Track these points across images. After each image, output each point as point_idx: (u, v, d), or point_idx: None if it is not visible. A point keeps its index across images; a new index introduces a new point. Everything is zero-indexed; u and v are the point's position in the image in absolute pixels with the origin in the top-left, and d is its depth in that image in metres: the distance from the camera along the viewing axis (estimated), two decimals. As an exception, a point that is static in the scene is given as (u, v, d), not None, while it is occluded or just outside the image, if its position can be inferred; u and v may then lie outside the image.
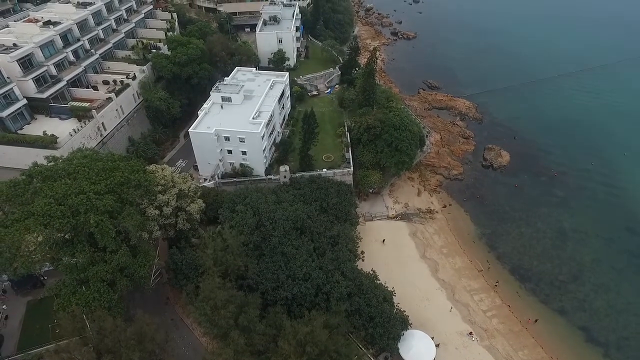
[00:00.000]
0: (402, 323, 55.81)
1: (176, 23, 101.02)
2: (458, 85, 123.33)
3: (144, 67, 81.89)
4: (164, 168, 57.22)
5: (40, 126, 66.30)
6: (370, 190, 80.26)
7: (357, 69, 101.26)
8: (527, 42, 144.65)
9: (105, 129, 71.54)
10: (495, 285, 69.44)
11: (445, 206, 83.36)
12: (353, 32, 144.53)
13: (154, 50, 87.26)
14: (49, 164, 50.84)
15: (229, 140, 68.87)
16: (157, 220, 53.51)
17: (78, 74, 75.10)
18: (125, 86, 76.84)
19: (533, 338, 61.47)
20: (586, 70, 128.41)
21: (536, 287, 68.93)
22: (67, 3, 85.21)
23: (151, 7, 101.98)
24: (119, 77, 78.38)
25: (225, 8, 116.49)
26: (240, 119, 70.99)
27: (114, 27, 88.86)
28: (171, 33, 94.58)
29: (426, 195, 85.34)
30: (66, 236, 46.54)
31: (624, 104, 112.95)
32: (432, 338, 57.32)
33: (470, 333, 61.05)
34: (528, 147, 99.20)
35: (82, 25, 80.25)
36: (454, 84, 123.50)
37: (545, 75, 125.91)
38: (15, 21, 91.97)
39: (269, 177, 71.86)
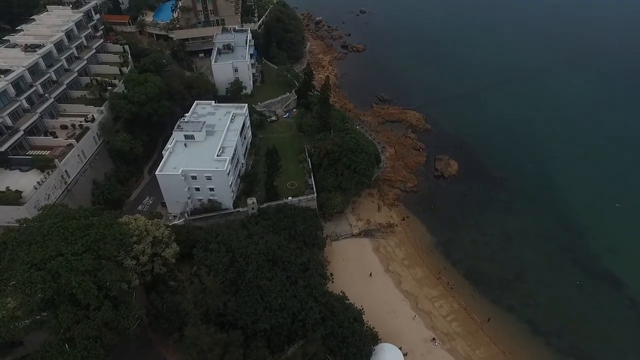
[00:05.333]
0: (372, 339, 61.55)
1: (129, 56, 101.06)
2: (407, 96, 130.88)
3: (102, 108, 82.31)
4: (137, 218, 59.31)
5: (1, 180, 65.83)
6: (335, 211, 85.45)
7: (312, 91, 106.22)
8: (469, 51, 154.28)
9: (69, 176, 71.87)
10: (452, 289, 77.02)
11: (403, 219, 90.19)
12: (305, 48, 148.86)
13: (110, 88, 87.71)
14: (21, 226, 51.91)
15: (195, 179, 71.56)
16: (135, 269, 55.80)
17: (34, 121, 74.37)
18: (85, 130, 77.23)
19: (487, 337, 69.39)
20: (523, 76, 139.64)
21: (487, 289, 77.16)
22: (13, 47, 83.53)
23: (102, 40, 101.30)
24: (77, 120, 78.46)
25: (176, 35, 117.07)
26: (205, 156, 73.80)
27: (66, 66, 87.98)
28: (125, 68, 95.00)
29: (386, 209, 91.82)
30: (46, 297, 48.06)
31: (554, 106, 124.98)
32: (400, 348, 63.44)
33: (434, 339, 68.02)
34: (473, 154, 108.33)
35: (34, 69, 79.21)
36: (403, 96, 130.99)
37: (486, 83, 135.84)
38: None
39: (237, 209, 75.17)
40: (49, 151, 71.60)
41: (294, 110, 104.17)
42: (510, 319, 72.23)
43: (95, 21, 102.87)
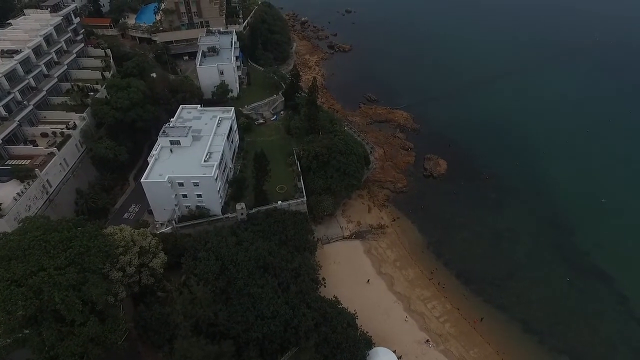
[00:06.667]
0: (366, 344, 60.93)
1: (111, 60, 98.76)
2: (395, 96, 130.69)
3: (84, 114, 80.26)
4: (123, 228, 57.64)
5: (-21, 192, 63.56)
6: (325, 214, 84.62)
7: (299, 92, 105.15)
8: (455, 50, 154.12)
9: (50, 186, 69.79)
10: (443, 288, 76.82)
11: (394, 220, 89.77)
12: (292, 49, 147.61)
13: (91, 94, 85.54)
14: (0, 241, 49.93)
15: (182, 185, 70.03)
16: (122, 281, 54.23)
17: (13, 129, 72.22)
18: (67, 137, 75.21)
19: (481, 336, 69.37)
20: (508, 74, 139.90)
21: (479, 288, 77.14)
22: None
23: (82, 45, 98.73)
24: (58, 128, 76.42)
25: (160, 38, 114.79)
26: (191, 162, 72.30)
27: (45, 72, 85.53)
28: (107, 72, 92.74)
29: (376, 210, 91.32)
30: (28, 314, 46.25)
31: (539, 103, 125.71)
32: (394, 352, 62.94)
33: (427, 340, 67.76)
34: (461, 153, 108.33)
35: (11, 76, 76.68)
36: (391, 96, 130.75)
37: (473, 81, 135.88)
38: None
39: (226, 215, 73.82)
40: (29, 160, 69.58)
41: (282, 112, 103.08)
42: (503, 318, 72.29)
43: (75, 25, 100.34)
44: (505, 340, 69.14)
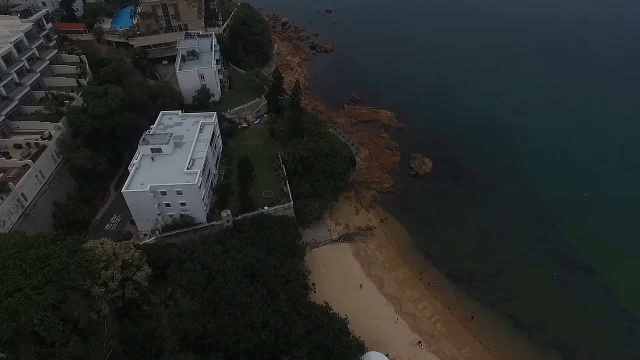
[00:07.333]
0: (359, 348, 60.28)
1: (87, 66, 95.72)
2: (378, 95, 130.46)
3: (59, 124, 77.48)
4: (104, 242, 55.55)
5: (-51, 209, 60.66)
6: (312, 217, 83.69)
7: (283, 95, 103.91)
8: (436, 48, 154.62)
9: (26, 200, 67.02)
10: (434, 287, 76.78)
11: (382, 220, 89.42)
12: (273, 50, 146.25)
13: (67, 102, 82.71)
14: (-28, 261, 47.46)
15: (165, 194, 68.19)
16: (104, 297, 52.26)
17: (-17, 142, 69.36)
18: (42, 148, 72.47)
19: (472, 335, 69.48)
20: (488, 71, 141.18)
21: (469, 286, 77.40)
22: (-43, 62, 77.36)
23: (55, 51, 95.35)
24: (32, 138, 73.63)
25: (137, 42, 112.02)
26: (174, 169, 70.50)
27: (17, 80, 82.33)
28: (83, 79, 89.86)
29: (364, 212, 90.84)
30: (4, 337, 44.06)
31: (519, 99, 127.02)
32: (387, 355, 62.44)
33: (419, 342, 67.54)
34: (446, 151, 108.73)
35: (-20, 85, 73.75)
36: (374, 95, 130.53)
37: (455, 79, 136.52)
38: None
39: (211, 223, 72.22)
40: (1, 174, 66.73)
41: (265, 115, 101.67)
42: (493, 316, 72.57)
43: (48, 30, 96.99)
44: (496, 338, 69.43)
